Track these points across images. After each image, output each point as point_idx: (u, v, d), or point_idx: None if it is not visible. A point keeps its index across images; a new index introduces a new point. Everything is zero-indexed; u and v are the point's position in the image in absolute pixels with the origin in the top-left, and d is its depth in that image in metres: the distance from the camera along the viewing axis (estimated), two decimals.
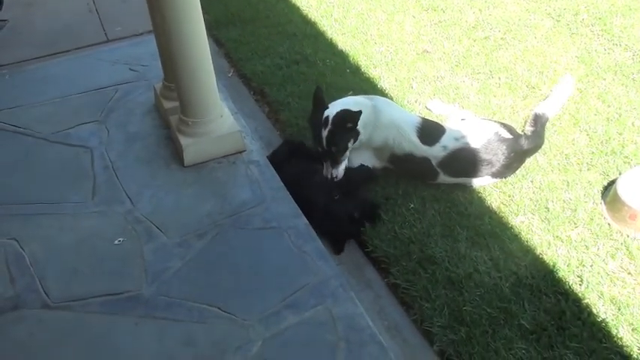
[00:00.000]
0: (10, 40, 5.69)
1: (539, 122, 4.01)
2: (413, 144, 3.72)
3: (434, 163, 3.73)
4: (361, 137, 3.70)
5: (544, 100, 4.27)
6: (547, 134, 4.04)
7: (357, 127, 3.64)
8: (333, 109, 3.67)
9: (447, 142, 3.73)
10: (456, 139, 3.74)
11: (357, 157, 3.81)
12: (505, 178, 3.80)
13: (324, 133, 3.62)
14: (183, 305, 3.03)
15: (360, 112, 3.57)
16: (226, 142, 3.87)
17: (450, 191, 3.79)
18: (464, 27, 5.40)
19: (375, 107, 3.75)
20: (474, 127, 3.82)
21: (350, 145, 3.68)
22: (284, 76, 4.98)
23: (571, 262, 3.30)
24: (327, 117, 3.63)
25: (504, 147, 3.70)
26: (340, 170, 3.71)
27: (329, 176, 3.70)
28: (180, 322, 2.96)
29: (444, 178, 3.78)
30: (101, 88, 4.68)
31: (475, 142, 3.72)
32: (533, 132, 3.96)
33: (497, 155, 3.69)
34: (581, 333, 2.95)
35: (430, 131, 3.79)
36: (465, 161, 3.72)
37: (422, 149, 3.73)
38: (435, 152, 3.72)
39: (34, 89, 4.72)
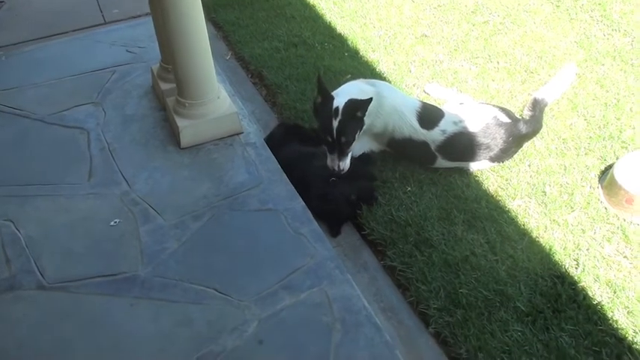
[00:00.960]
0: (6, 22, 5.68)
1: (538, 107, 4.00)
2: (413, 128, 3.72)
3: (432, 147, 3.73)
4: (365, 125, 3.70)
5: (545, 84, 4.25)
6: (545, 118, 4.03)
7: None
8: (340, 98, 3.62)
9: (445, 127, 3.73)
10: (455, 123, 3.74)
11: (356, 141, 3.80)
12: (503, 162, 3.81)
13: (335, 123, 3.55)
14: (179, 286, 3.03)
15: (370, 101, 3.53)
16: (223, 123, 3.86)
17: (447, 175, 3.79)
18: (463, 11, 5.38)
19: (378, 94, 3.71)
20: (472, 112, 3.82)
21: (357, 135, 3.65)
22: (282, 59, 4.96)
23: (567, 245, 3.31)
24: (337, 107, 3.56)
25: (503, 131, 3.70)
26: (347, 162, 3.66)
27: (335, 169, 3.64)
28: (176, 303, 2.96)
29: (441, 162, 3.79)
30: (98, 69, 4.65)
31: (473, 126, 3.72)
32: (531, 116, 3.95)
33: (495, 139, 3.69)
34: (576, 316, 2.96)
35: (429, 115, 3.78)
36: (463, 145, 3.73)
37: (421, 133, 3.72)
38: (434, 136, 3.72)
39: (31, 71, 4.69)
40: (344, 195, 3.62)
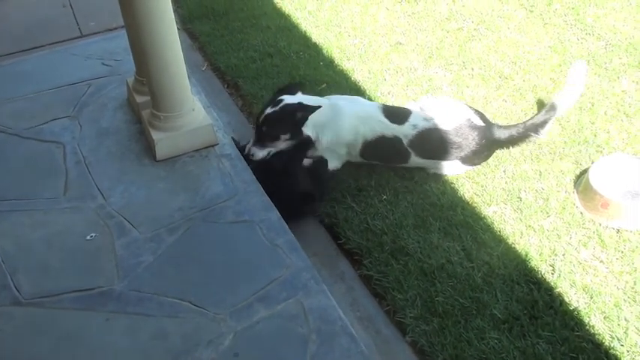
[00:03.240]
0: None
1: (550, 112, 3.82)
2: (383, 124, 3.76)
3: (405, 142, 3.75)
4: (327, 138, 3.75)
5: (561, 91, 3.93)
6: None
7: (307, 130, 3.71)
8: (291, 98, 3.73)
9: (416, 122, 3.77)
10: (426, 120, 3.78)
11: (330, 158, 3.85)
12: (475, 165, 3.85)
13: (267, 110, 3.69)
14: (154, 300, 3.01)
15: (314, 109, 3.64)
16: (198, 135, 3.85)
17: (422, 182, 3.80)
18: (437, 18, 5.40)
19: (332, 105, 3.79)
20: (446, 110, 3.85)
21: (282, 137, 3.72)
22: (257, 69, 4.97)
23: (543, 251, 3.32)
24: (281, 100, 3.70)
25: (475, 133, 3.73)
26: (258, 154, 3.75)
27: (246, 150, 3.77)
28: (152, 316, 2.95)
29: (415, 159, 3.81)
30: (74, 83, 4.62)
31: (446, 124, 3.76)
32: (523, 123, 3.85)
33: (467, 140, 3.72)
34: (553, 322, 2.97)
35: (396, 113, 3.85)
36: (435, 142, 3.76)
37: (392, 128, 3.76)
38: (406, 130, 3.75)
39: (7, 85, 4.66)
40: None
